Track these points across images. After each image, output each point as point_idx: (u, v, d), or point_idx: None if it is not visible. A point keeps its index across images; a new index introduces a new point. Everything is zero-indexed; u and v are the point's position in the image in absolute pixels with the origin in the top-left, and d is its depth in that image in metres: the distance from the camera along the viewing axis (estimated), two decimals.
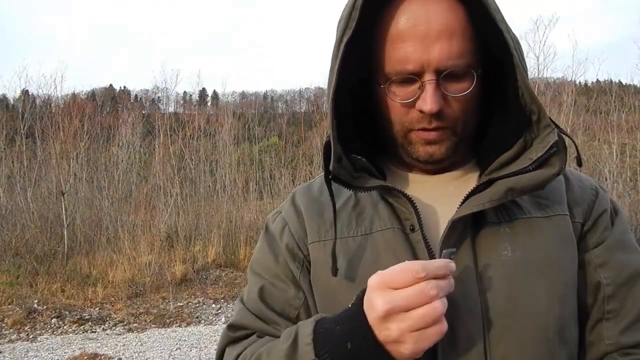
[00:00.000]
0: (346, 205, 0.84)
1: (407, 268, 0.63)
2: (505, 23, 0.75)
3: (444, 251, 0.67)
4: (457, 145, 0.80)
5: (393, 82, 0.77)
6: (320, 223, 0.84)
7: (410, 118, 0.78)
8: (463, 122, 0.78)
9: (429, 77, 0.74)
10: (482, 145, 0.84)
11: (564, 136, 0.76)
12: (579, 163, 0.80)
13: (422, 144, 0.79)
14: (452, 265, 0.65)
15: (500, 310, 0.73)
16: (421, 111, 0.75)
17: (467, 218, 0.75)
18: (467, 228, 0.76)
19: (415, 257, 0.76)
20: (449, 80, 0.75)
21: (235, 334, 0.86)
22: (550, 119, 0.77)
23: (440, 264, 0.64)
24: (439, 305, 0.62)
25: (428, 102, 0.74)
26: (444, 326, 0.63)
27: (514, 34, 0.77)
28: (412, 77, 0.75)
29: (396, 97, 0.77)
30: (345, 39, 0.75)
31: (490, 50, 0.78)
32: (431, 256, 0.75)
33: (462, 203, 0.77)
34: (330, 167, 0.78)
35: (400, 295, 0.62)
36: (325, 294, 0.81)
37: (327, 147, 0.80)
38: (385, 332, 0.63)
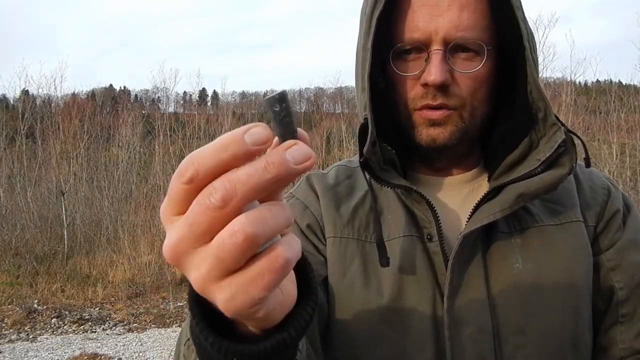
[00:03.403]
0: (363, 204, 0.79)
1: (177, 171, 0.34)
2: (522, 11, 0.72)
3: (266, 98, 0.35)
4: (463, 134, 0.74)
5: (400, 54, 0.74)
6: (337, 217, 0.79)
7: (414, 94, 0.73)
8: (471, 105, 0.73)
9: (435, 47, 0.70)
10: (489, 145, 0.81)
11: (571, 134, 0.72)
12: (588, 164, 0.76)
13: (426, 125, 0.74)
14: (257, 132, 0.33)
15: (512, 327, 0.70)
16: (426, 84, 0.71)
17: (478, 229, 0.71)
18: (478, 240, 0.72)
19: (432, 268, 0.73)
20: (457, 55, 0.72)
21: None
22: (557, 117, 0.74)
23: (225, 141, 0.33)
24: (243, 222, 0.32)
25: (432, 72, 0.70)
26: (277, 258, 0.34)
27: (529, 26, 0.74)
28: (419, 47, 0.72)
29: (401, 69, 0.74)
30: (377, 13, 0.72)
31: (504, 41, 0.75)
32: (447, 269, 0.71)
33: (473, 213, 0.73)
34: (365, 150, 0.73)
35: (181, 222, 0.34)
36: (334, 297, 0.75)
37: (362, 131, 0.75)
38: (191, 279, 0.35)
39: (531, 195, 0.71)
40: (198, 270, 0.34)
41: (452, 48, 0.71)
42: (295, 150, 0.34)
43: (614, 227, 0.77)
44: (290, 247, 0.35)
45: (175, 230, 0.34)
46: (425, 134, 0.74)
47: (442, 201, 0.79)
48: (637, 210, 0.81)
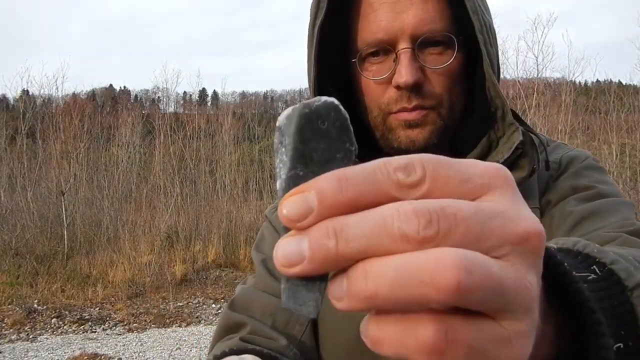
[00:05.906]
0: None
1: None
2: (474, 1, 0.68)
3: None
4: (443, 133, 0.70)
5: (366, 57, 0.70)
6: None
7: (387, 98, 0.69)
8: (448, 102, 0.70)
9: (403, 46, 0.66)
10: (456, 142, 0.76)
11: (533, 135, 0.69)
12: (547, 167, 0.72)
13: (403, 127, 0.70)
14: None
15: None
16: (398, 87, 0.67)
17: None
18: None
19: None
20: (427, 49, 0.67)
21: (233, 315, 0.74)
22: (516, 115, 0.70)
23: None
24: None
25: (403, 72, 0.66)
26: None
27: (485, 17, 0.70)
28: (386, 49, 0.68)
29: (369, 73, 0.70)
30: (318, 22, 0.70)
31: (468, 35, 0.70)
32: None
33: None
34: None
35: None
36: (317, 321, 0.74)
37: None
38: None
39: None
40: None
41: (421, 44, 0.67)
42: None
43: (552, 199, 0.72)
44: None
45: None
46: (404, 136, 0.71)
47: None
48: (597, 177, 0.73)
